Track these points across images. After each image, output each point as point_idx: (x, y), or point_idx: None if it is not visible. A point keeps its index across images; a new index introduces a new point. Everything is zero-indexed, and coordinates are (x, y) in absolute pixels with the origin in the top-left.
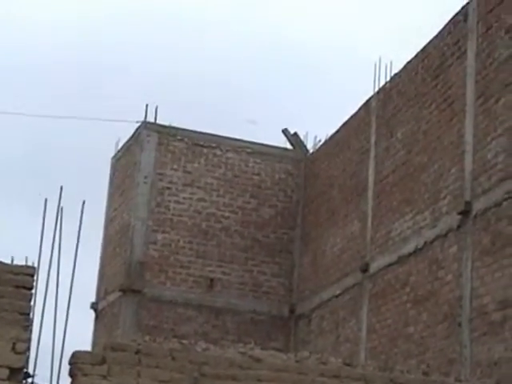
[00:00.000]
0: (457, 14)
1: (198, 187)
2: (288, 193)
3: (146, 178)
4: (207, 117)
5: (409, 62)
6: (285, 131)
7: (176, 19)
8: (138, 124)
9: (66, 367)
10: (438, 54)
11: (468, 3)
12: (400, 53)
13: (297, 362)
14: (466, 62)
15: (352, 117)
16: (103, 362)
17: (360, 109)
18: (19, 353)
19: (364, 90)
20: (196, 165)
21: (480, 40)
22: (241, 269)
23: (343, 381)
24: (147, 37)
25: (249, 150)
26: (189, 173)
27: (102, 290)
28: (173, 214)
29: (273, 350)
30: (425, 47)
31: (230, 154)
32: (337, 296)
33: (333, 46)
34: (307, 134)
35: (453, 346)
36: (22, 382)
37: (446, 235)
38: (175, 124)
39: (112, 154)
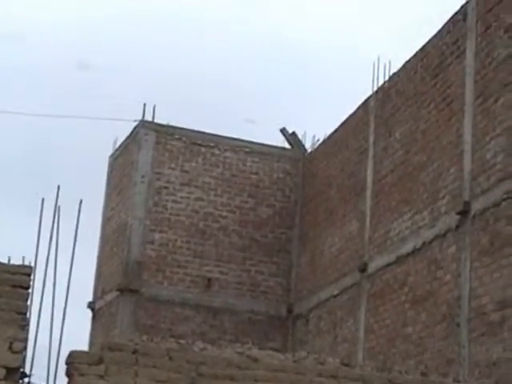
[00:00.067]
0: (456, 14)
1: (196, 186)
2: (286, 192)
3: (143, 177)
4: (205, 116)
5: (408, 62)
6: (283, 131)
7: (175, 19)
8: (136, 123)
9: (62, 367)
10: (436, 53)
11: (467, 2)
12: (399, 52)
13: (294, 362)
14: (465, 62)
15: (350, 116)
16: (100, 361)
17: (358, 108)
18: (16, 352)
19: (363, 89)
20: (194, 164)
21: (479, 39)
22: (238, 268)
23: (341, 381)
24: (146, 36)
25: (247, 150)
26: (186, 172)
27: (99, 290)
28: (170, 214)
29: (270, 350)
30: (424, 46)
31: (227, 154)
32: (335, 296)
33: (331, 46)
34: (305, 133)
35: (451, 347)
36: (18, 381)
37: (444, 235)
38: (173, 123)
39: (109, 153)
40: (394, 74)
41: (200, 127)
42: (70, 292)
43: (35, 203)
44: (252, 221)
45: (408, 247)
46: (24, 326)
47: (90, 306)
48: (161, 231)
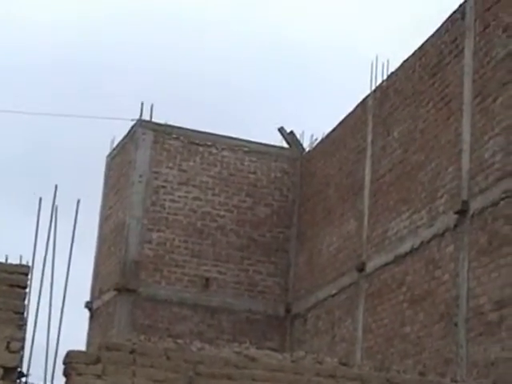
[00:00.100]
0: (454, 13)
1: (194, 186)
2: (284, 192)
3: (141, 176)
4: (203, 115)
5: (406, 61)
6: (281, 130)
7: (174, 19)
8: (134, 122)
9: (60, 367)
10: (435, 52)
11: (465, 1)
12: (397, 51)
13: (292, 361)
14: (463, 61)
15: (348, 115)
16: (98, 361)
17: (356, 107)
18: (13, 352)
19: (361, 88)
20: (191, 163)
21: (477, 38)
22: (236, 268)
23: (339, 381)
24: (143, 36)
25: (245, 149)
26: (184, 171)
27: (97, 289)
28: (168, 213)
29: (268, 349)
30: (422, 45)
31: (225, 153)
32: (333, 295)
33: (329, 45)
34: (303, 132)
35: (449, 346)
36: (15, 381)
37: (442, 235)
38: (171, 122)
39: (107, 153)
40: (393, 73)
41: (198, 127)
42: (67, 291)
43: (33, 202)
44: (250, 220)
45: (406, 247)
46: (21, 325)
47: (88, 305)
48: (158, 230)
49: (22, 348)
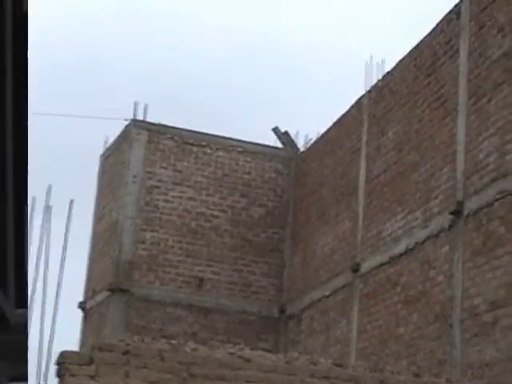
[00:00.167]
0: (450, 13)
1: (188, 186)
2: (278, 192)
3: (135, 176)
4: (197, 115)
5: (401, 61)
6: (275, 130)
7: (169, 19)
8: (128, 122)
9: (53, 367)
10: (430, 52)
11: (461, 1)
12: (392, 51)
13: (286, 362)
14: (458, 61)
15: (343, 116)
16: (91, 362)
17: (351, 108)
18: None
19: (356, 88)
20: (185, 163)
21: (473, 39)
22: (230, 268)
23: (333, 382)
24: (140, 36)
25: (239, 149)
26: (178, 171)
27: (90, 290)
28: (162, 213)
29: (262, 350)
30: (417, 46)
31: (219, 153)
32: (327, 296)
33: (324, 45)
34: (298, 132)
35: (444, 347)
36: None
37: (437, 235)
38: (165, 122)
39: (101, 152)
40: (388, 73)
41: (192, 127)
42: (60, 292)
43: None
44: (244, 220)
45: (401, 247)
46: None
47: (81, 306)
48: (152, 231)
49: None
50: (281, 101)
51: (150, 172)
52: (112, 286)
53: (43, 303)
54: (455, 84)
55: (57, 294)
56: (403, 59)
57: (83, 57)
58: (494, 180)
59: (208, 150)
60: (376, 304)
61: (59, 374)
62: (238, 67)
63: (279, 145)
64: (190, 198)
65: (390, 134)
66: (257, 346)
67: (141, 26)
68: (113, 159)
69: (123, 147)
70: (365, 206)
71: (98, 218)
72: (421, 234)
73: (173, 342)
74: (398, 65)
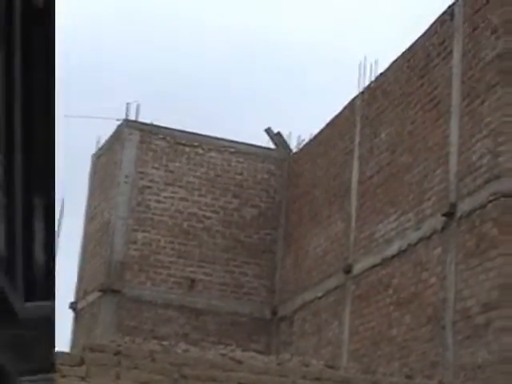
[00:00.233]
0: (443, 14)
1: (180, 186)
2: (271, 193)
3: (127, 176)
4: (190, 116)
5: (394, 62)
6: (268, 131)
7: (164, 19)
8: (120, 122)
9: None
10: (423, 53)
11: (454, 3)
12: (386, 52)
13: (278, 364)
14: (451, 62)
15: (336, 117)
16: (82, 363)
17: (344, 109)
18: None
19: (349, 89)
20: (178, 164)
21: (466, 40)
22: (222, 269)
23: (325, 383)
24: (132, 36)
25: (231, 150)
26: (170, 172)
27: (82, 290)
28: (154, 214)
29: (254, 352)
30: (410, 47)
31: (212, 153)
32: (319, 298)
33: (317, 46)
34: (290, 133)
35: (436, 349)
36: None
37: (430, 237)
38: (157, 122)
39: (93, 152)
40: (381, 74)
41: (184, 127)
42: None
43: None
44: (236, 221)
45: (393, 249)
46: None
47: (72, 306)
48: (144, 231)
49: None
50: (273, 101)
51: (141, 172)
52: (103, 287)
53: None
54: (448, 85)
55: None
56: (396, 60)
57: (75, 56)
58: (487, 182)
59: (200, 151)
60: (368, 306)
61: None
62: (231, 68)
63: (272, 146)
64: (182, 199)
65: (382, 135)
66: (248, 347)
67: (140, 25)
68: (105, 159)
69: (115, 147)
70: (357, 207)
71: (90, 218)
72: (413, 236)
73: (164, 343)
74: (391, 66)
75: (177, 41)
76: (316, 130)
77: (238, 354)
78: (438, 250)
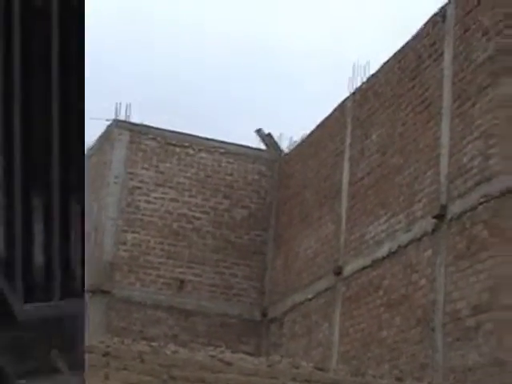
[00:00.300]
0: (435, 15)
1: (170, 187)
2: (261, 194)
3: (116, 177)
4: (180, 117)
5: (385, 63)
6: (259, 132)
7: (152, 20)
8: (110, 122)
9: None
10: (414, 55)
11: (446, 4)
12: (377, 54)
13: (268, 366)
14: (443, 64)
15: (327, 118)
16: None
17: (335, 110)
18: None
19: (340, 90)
20: (168, 164)
21: (457, 42)
22: (212, 270)
23: None
24: (122, 36)
25: (222, 150)
26: (160, 172)
27: None
28: (143, 214)
29: (244, 353)
30: (402, 48)
31: (202, 154)
32: (309, 299)
33: (309, 47)
34: (281, 134)
35: (425, 351)
36: None
37: (420, 239)
38: (147, 123)
39: None
40: (372, 75)
41: (175, 128)
42: None
43: None
44: (226, 222)
45: (383, 251)
46: None
47: None
48: (134, 232)
49: None
50: (264, 102)
51: (131, 173)
52: (93, 288)
53: None
54: (439, 87)
55: None
56: (388, 62)
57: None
58: (478, 184)
59: (191, 151)
60: (358, 307)
61: None
62: (222, 69)
63: (263, 147)
64: (172, 200)
65: (373, 136)
66: (238, 349)
67: (125, 26)
68: (95, 159)
69: (105, 147)
70: (348, 208)
71: None
72: (404, 238)
73: (153, 344)
74: (382, 67)
75: (158, 41)
76: (307, 132)
77: (228, 355)
78: (429, 252)
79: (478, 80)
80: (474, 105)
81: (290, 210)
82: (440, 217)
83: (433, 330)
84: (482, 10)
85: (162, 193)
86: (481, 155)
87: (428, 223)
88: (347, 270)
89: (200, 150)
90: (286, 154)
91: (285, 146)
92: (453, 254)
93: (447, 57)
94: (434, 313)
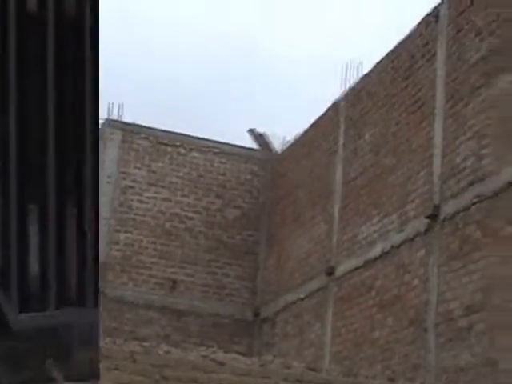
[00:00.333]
0: (428, 15)
1: (162, 187)
2: (254, 194)
3: (109, 177)
4: (173, 116)
5: (378, 63)
6: (252, 131)
7: (145, 19)
8: (102, 121)
9: None
10: (408, 55)
11: (439, 5)
12: (370, 54)
13: (260, 366)
14: (436, 64)
15: (320, 117)
16: None
17: (328, 110)
18: None
19: (333, 90)
20: (160, 164)
21: (450, 42)
22: (204, 271)
23: None
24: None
25: (214, 150)
26: (153, 172)
27: None
28: (136, 214)
29: (236, 353)
30: (395, 48)
31: (195, 154)
32: (302, 299)
33: (302, 47)
34: (274, 134)
35: (418, 352)
36: None
37: (413, 239)
38: (139, 122)
39: None
40: (365, 75)
41: (167, 127)
42: None
43: None
44: (219, 222)
45: (376, 251)
46: None
47: None
48: (126, 232)
49: None
50: (257, 102)
51: (124, 172)
52: None
53: None
54: (432, 87)
55: None
56: (381, 61)
57: None
58: (471, 184)
59: (183, 151)
60: (351, 308)
61: None
62: (215, 69)
63: (255, 146)
64: (164, 199)
65: (366, 136)
66: (230, 349)
67: (118, 26)
68: None
69: None
70: (340, 208)
71: None
72: (396, 238)
73: (145, 344)
74: (375, 67)
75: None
76: (300, 131)
77: (220, 355)
78: (421, 252)
79: (471, 80)
80: (466, 105)
81: (283, 209)
82: (433, 217)
83: (425, 330)
84: (475, 10)
85: (155, 192)
86: (474, 155)
87: (421, 223)
88: (339, 270)
89: (192, 150)
90: (279, 154)
91: (277, 145)
92: (446, 255)
93: (440, 57)
94: (426, 313)
